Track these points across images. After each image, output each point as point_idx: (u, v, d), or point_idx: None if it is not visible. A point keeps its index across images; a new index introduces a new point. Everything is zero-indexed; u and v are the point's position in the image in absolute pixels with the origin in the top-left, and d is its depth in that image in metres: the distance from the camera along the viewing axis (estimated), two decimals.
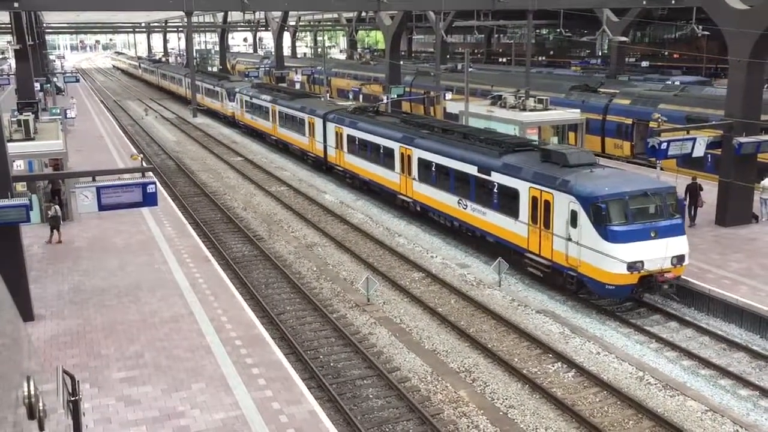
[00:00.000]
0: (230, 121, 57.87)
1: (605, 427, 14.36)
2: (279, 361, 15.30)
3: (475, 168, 23.78)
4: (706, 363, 16.88)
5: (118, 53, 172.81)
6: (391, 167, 29.65)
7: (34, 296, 18.10)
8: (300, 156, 41.94)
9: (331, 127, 35.79)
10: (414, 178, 27.86)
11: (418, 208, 28.11)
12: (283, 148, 45.33)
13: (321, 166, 38.40)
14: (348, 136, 33.70)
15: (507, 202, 22.35)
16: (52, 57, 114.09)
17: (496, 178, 22.74)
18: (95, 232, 24.95)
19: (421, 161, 27.25)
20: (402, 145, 28.57)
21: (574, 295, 20.77)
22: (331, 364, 17.29)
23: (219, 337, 16.42)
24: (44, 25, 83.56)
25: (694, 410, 15.00)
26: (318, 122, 37.45)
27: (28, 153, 24.92)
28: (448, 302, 20.98)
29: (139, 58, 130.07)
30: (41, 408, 5.52)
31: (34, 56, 46.99)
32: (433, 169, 26.38)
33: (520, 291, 21.76)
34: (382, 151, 30.31)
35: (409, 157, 28.08)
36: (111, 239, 24.14)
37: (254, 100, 49.69)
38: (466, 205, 24.47)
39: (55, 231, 23.75)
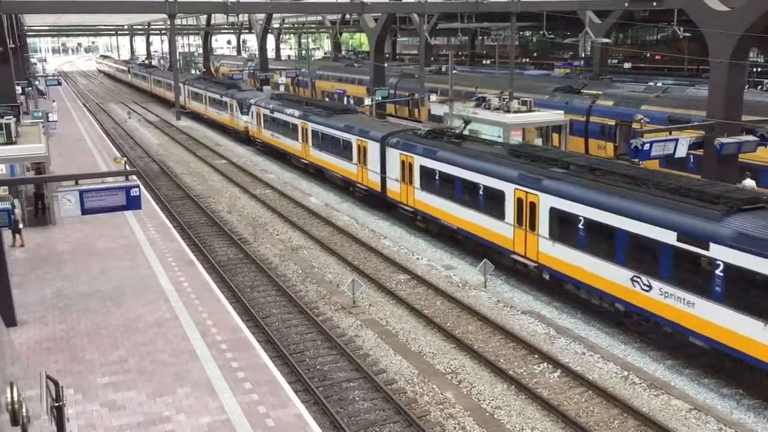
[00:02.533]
0: (242, 138, 50.47)
1: (591, 426, 14.44)
2: (265, 365, 15.24)
3: (673, 234, 16.26)
4: (690, 362, 17.01)
5: (105, 57, 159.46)
6: (498, 215, 22.30)
7: (17, 301, 17.92)
8: (342, 187, 34.68)
9: (395, 154, 28.33)
10: (542, 236, 20.52)
11: (547, 276, 20.82)
12: (315, 174, 38.09)
13: (376, 200, 30.96)
14: (422, 168, 26.38)
15: (748, 295, 14.83)
16: (33, 60, 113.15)
17: (721, 254, 15.13)
18: (78, 237, 24.76)
19: (556, 213, 19.89)
20: (521, 187, 21.16)
21: (560, 295, 20.84)
22: (318, 367, 17.26)
23: (204, 341, 16.34)
24: (25, 27, 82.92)
25: (679, 409, 15.12)
26: (373, 147, 30.02)
27: (10, 157, 24.68)
28: (434, 304, 21.01)
29: (128, 62, 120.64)
30: (25, 414, 5.47)
31: (16, 59, 46.59)
32: (581, 226, 18.94)
33: (506, 292, 21.83)
34: (482, 192, 23.00)
35: (532, 204, 20.78)
36: (94, 243, 23.96)
37: (276, 115, 41.70)
38: (649, 286, 17.01)
39: (17, 235, 23.54)
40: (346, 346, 18.10)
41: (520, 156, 23.01)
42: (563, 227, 19.73)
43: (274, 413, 13.26)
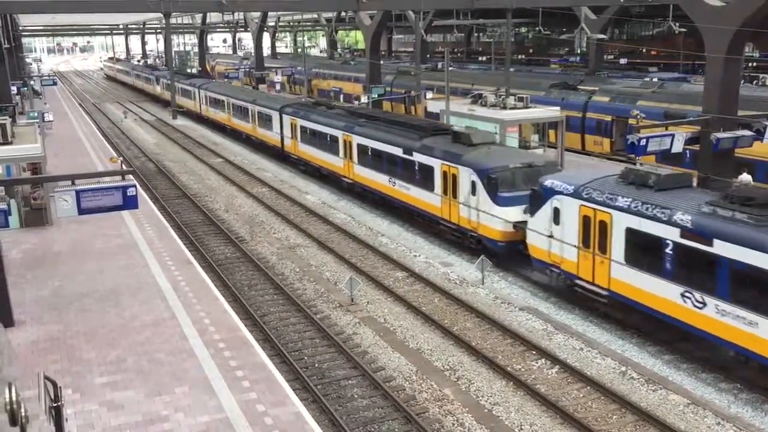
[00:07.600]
0: (468, 243, 24.37)
1: (589, 422, 14.46)
2: (263, 363, 15.24)
3: None
4: (688, 357, 17.05)
5: (117, 59, 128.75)
6: None
7: (14, 301, 17.88)
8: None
9: None
10: None
11: None
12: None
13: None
14: None
15: None
16: (28, 60, 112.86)
17: None
18: (75, 236, 24.71)
19: None
20: None
21: (557, 291, 20.86)
22: (316, 365, 17.26)
23: (202, 340, 16.32)
24: (20, 27, 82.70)
25: (677, 404, 15.15)
26: None
27: (6, 157, 24.62)
28: (432, 301, 21.01)
29: (148, 65, 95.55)
30: (23, 414, 5.46)
31: (11, 59, 46.53)
32: None
33: (503, 288, 21.85)
34: None
35: None
36: (91, 243, 23.92)
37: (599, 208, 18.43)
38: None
39: None
40: (344, 344, 18.10)
41: None
42: None
43: (272, 411, 13.26)
